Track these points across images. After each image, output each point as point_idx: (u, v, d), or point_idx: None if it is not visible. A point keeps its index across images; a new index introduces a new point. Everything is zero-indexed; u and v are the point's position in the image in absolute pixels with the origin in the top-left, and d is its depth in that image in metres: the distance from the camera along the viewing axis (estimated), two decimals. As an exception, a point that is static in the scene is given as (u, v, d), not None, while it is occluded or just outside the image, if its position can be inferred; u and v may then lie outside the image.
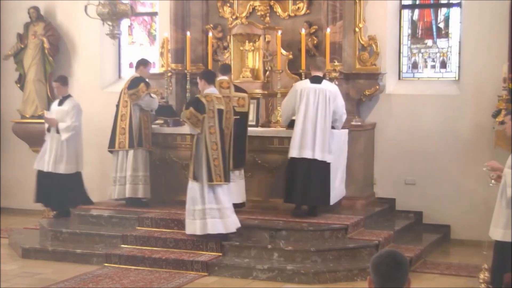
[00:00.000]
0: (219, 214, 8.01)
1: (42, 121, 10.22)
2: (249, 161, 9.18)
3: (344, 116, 8.71)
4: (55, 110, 9.79)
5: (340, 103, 8.62)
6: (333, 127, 8.62)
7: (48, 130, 9.76)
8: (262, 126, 9.38)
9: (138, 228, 8.80)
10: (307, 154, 8.44)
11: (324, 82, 8.62)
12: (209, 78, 8.35)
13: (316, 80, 8.61)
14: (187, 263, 7.94)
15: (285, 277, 7.60)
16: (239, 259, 7.97)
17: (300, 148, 8.47)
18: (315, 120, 8.48)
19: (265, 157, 9.08)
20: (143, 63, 9.60)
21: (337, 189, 8.86)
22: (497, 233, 6.20)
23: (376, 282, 3.08)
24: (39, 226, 9.46)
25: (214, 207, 8.00)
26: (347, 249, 7.96)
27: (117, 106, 9.49)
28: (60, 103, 9.82)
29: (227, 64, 9.34)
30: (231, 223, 8.10)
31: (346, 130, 9.17)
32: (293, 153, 8.51)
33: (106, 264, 8.22)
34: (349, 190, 9.09)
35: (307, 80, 8.70)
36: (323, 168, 8.52)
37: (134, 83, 9.40)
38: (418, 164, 9.64)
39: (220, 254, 8.10)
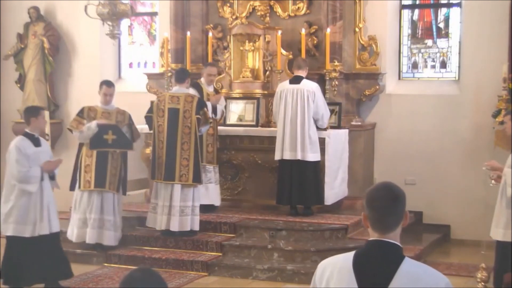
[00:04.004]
0: (168, 211, 8.17)
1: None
2: (249, 161, 9.19)
3: (327, 114, 8.64)
4: (36, 151, 6.93)
5: (320, 101, 8.58)
6: (318, 127, 8.62)
7: (42, 178, 6.91)
8: (262, 126, 9.38)
9: (138, 228, 8.80)
10: (289, 156, 8.48)
11: (303, 81, 8.61)
12: (177, 76, 8.55)
13: (295, 80, 8.62)
14: (187, 263, 7.94)
15: (285, 277, 7.60)
16: (239, 259, 7.97)
17: (283, 150, 8.53)
18: (295, 121, 8.50)
19: (265, 157, 9.08)
20: (101, 83, 8.50)
21: (337, 188, 8.87)
22: (498, 233, 6.22)
23: (373, 218, 2.88)
24: (39, 226, 9.44)
25: (166, 204, 8.18)
26: (347, 249, 7.90)
27: None
28: (37, 143, 6.99)
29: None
30: (176, 222, 8.16)
31: (346, 130, 9.18)
32: (277, 155, 8.60)
33: (106, 264, 8.22)
34: (349, 190, 9.09)
35: (287, 81, 8.72)
36: (310, 168, 8.53)
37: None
38: (418, 164, 9.64)
39: (220, 254, 8.11)
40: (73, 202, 8.32)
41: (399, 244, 2.88)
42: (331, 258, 2.97)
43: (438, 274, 2.86)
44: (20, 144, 6.83)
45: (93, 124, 8.08)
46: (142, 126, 8.91)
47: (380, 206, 2.86)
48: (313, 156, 8.50)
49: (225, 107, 9.22)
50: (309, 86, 8.57)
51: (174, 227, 8.16)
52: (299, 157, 8.46)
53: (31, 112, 7.09)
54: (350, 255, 2.89)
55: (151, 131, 8.50)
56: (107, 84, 8.42)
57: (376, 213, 2.87)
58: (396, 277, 2.77)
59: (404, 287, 2.76)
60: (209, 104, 8.66)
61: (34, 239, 6.86)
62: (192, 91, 8.71)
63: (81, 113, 8.27)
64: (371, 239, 2.90)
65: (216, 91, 9.29)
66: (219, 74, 9.79)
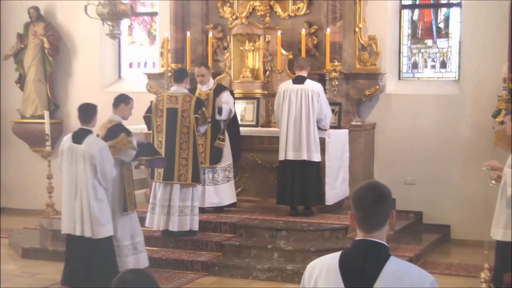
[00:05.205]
0: (167, 211, 8.14)
1: (43, 121, 10.18)
2: (249, 161, 9.19)
3: (329, 115, 8.66)
4: None
5: (324, 102, 8.59)
6: (320, 128, 8.61)
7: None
8: (262, 126, 9.38)
9: (138, 228, 8.79)
10: (293, 156, 8.48)
11: (307, 81, 8.61)
12: (175, 76, 8.52)
13: (299, 80, 8.62)
14: (187, 263, 7.94)
15: (285, 277, 7.60)
16: (239, 259, 7.97)
17: (286, 150, 8.52)
18: (299, 121, 8.50)
19: (265, 157, 9.08)
20: (124, 101, 7.45)
21: (338, 188, 8.87)
22: (498, 233, 6.23)
23: (358, 217, 2.89)
24: (39, 226, 9.45)
25: (165, 204, 8.13)
26: (347, 249, 7.94)
27: None
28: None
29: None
30: (175, 222, 8.12)
31: (346, 130, 9.18)
32: (281, 156, 8.59)
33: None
34: (349, 190, 9.09)
35: (290, 81, 8.71)
36: (313, 168, 8.54)
37: (112, 133, 7.20)
38: (418, 164, 9.64)
39: (220, 254, 8.11)
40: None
41: (385, 243, 2.89)
42: (320, 258, 2.99)
43: (424, 273, 2.86)
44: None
45: (135, 142, 7.35)
46: (141, 126, 8.91)
47: (365, 206, 2.86)
48: (317, 156, 8.51)
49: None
50: (314, 87, 8.57)
51: (173, 227, 8.15)
52: (304, 157, 8.45)
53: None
54: (337, 255, 2.91)
55: (150, 131, 8.49)
56: (132, 99, 7.65)
57: (361, 213, 2.88)
58: (381, 276, 2.78)
59: (389, 286, 2.76)
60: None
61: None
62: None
63: (127, 130, 7.30)
64: (357, 238, 2.92)
65: (222, 87, 9.08)
66: (219, 74, 9.79)
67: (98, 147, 6.71)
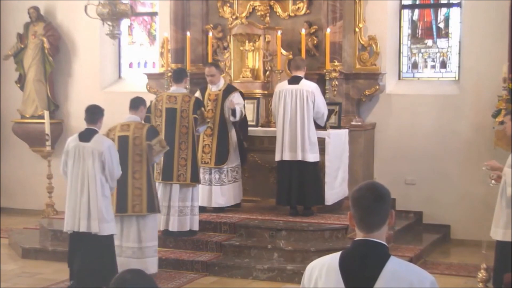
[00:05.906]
0: (166, 211, 8.13)
1: (43, 121, 10.17)
2: (249, 161, 9.19)
3: (326, 113, 8.66)
4: None
5: (320, 102, 8.58)
6: (318, 126, 8.60)
7: None
8: (262, 126, 9.38)
9: (138, 228, 8.79)
10: (289, 156, 8.49)
11: (303, 81, 8.60)
12: (175, 76, 8.54)
13: (294, 80, 8.62)
14: (187, 263, 7.95)
15: (285, 277, 7.61)
16: (239, 259, 7.97)
17: (282, 151, 8.54)
18: (294, 121, 8.50)
19: (265, 157, 9.08)
20: (143, 103, 7.72)
21: (338, 188, 8.88)
22: (498, 233, 6.23)
23: (357, 217, 2.90)
24: (39, 226, 9.46)
25: (165, 204, 8.13)
26: (347, 249, 7.94)
27: None
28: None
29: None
30: (175, 222, 8.12)
31: (346, 130, 9.19)
32: (277, 156, 8.60)
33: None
34: (349, 190, 9.09)
35: (286, 81, 8.71)
36: (310, 168, 8.54)
37: (151, 133, 7.49)
38: (418, 164, 9.64)
39: (220, 254, 8.11)
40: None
41: (384, 243, 2.89)
42: (320, 259, 3.00)
43: (424, 273, 2.87)
44: None
45: None
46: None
47: (364, 206, 2.87)
48: (313, 156, 8.51)
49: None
50: (308, 87, 8.57)
51: (173, 227, 8.15)
52: (299, 157, 8.46)
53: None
54: (337, 255, 2.92)
55: None
56: None
57: (360, 213, 2.89)
58: (382, 276, 2.79)
59: (389, 286, 2.77)
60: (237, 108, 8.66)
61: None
62: (197, 93, 8.79)
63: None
64: (356, 238, 2.93)
65: (231, 88, 9.00)
66: (219, 74, 9.77)
67: (107, 145, 6.82)
